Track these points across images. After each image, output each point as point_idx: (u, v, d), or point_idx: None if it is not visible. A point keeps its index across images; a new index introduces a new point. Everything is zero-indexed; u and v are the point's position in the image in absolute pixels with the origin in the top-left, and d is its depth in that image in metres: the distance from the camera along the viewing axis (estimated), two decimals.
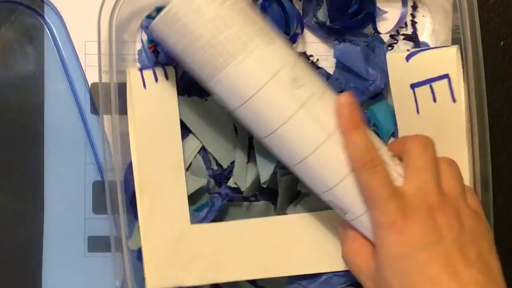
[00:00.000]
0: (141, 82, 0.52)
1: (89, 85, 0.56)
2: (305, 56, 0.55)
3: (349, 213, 0.48)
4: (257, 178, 0.53)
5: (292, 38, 0.54)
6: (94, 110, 0.56)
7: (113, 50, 0.51)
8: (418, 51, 0.52)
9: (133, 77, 0.52)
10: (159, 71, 0.52)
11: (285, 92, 0.46)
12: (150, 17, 0.53)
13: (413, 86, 0.52)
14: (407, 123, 0.53)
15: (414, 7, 0.56)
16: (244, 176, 0.53)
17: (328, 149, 0.46)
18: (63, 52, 0.56)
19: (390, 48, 0.56)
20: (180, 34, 0.45)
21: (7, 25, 0.56)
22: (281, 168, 0.53)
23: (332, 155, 0.47)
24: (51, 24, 0.56)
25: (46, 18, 0.56)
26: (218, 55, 0.45)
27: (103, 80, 0.52)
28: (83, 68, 0.56)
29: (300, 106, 0.46)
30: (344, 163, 0.46)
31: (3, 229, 0.56)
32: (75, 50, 0.56)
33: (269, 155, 0.51)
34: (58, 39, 0.56)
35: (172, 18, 0.45)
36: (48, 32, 0.56)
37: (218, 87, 0.47)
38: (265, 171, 0.52)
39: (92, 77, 0.56)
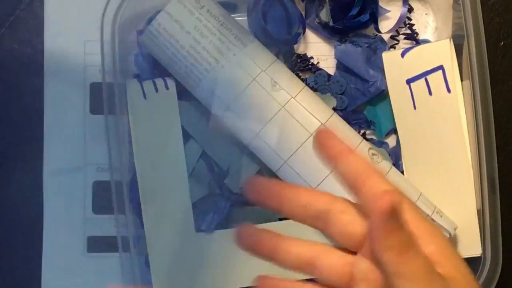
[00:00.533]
0: (141, 93, 0.52)
1: (89, 85, 0.56)
2: (304, 58, 0.55)
3: None
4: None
5: (294, 39, 0.54)
6: (94, 110, 0.56)
7: (116, 51, 0.51)
8: (413, 47, 0.53)
9: (133, 89, 0.52)
10: (159, 82, 0.52)
11: (264, 94, 0.49)
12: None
13: (409, 81, 0.53)
14: (405, 120, 0.53)
15: (410, 10, 0.56)
16: (236, 179, 0.53)
17: (310, 148, 0.49)
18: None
19: (392, 48, 0.56)
20: (164, 46, 0.50)
21: (6, 25, 0.56)
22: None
23: (314, 155, 0.47)
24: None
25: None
26: (198, 64, 0.49)
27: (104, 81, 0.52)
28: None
29: (280, 107, 0.49)
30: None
31: (3, 229, 0.56)
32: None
33: (255, 159, 0.52)
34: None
35: (156, 32, 0.49)
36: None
37: (203, 94, 0.50)
38: (247, 174, 0.53)
39: (92, 77, 0.56)
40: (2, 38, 0.56)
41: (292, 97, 0.49)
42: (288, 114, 0.49)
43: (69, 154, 0.56)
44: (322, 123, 0.49)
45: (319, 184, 0.49)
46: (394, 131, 0.55)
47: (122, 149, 0.52)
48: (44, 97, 0.56)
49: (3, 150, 0.56)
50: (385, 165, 0.51)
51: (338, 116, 0.51)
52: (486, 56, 0.51)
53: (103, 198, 0.56)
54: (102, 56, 0.52)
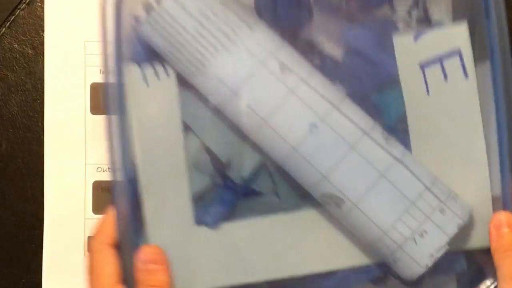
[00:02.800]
0: (142, 80, 0.51)
1: (89, 85, 0.57)
2: (311, 42, 0.54)
3: (347, 202, 0.48)
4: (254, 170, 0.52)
5: (301, 23, 0.53)
6: (94, 110, 0.57)
7: (117, 50, 0.51)
8: (427, 30, 0.52)
9: (133, 74, 0.51)
10: (159, 68, 0.52)
11: (273, 79, 0.47)
12: None
13: (422, 66, 0.51)
14: (417, 105, 0.52)
15: None
16: (239, 169, 0.52)
17: (321, 133, 0.47)
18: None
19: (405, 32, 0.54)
20: (166, 30, 0.48)
21: (6, 25, 0.57)
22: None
23: (326, 140, 0.47)
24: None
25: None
26: (204, 48, 0.47)
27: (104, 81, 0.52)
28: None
29: (289, 92, 0.47)
30: (341, 145, 0.47)
31: (3, 229, 0.57)
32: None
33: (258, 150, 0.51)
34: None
35: (158, 16, 0.48)
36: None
37: (208, 81, 0.48)
38: (248, 165, 0.51)
39: (92, 77, 0.57)
40: (2, 38, 0.57)
41: (301, 80, 0.48)
42: (297, 98, 0.48)
43: (69, 154, 0.56)
44: (333, 106, 0.48)
45: (329, 171, 0.48)
46: (404, 116, 0.53)
47: (122, 149, 0.51)
48: (44, 97, 0.57)
49: (3, 150, 0.57)
50: (399, 148, 0.49)
51: (350, 100, 0.50)
52: (508, 37, 0.49)
53: (103, 198, 0.56)
54: (104, 56, 0.52)
